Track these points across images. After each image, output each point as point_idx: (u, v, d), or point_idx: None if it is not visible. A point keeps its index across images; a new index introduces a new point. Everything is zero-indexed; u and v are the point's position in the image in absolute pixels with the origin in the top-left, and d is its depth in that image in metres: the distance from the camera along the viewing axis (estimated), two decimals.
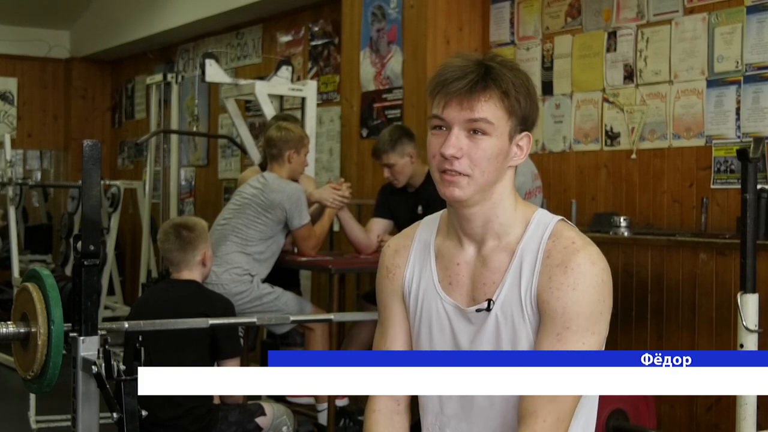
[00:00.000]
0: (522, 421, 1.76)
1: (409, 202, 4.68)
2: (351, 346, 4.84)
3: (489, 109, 1.77)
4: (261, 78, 6.21)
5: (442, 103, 1.80)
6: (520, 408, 1.77)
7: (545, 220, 1.85)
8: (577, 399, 1.78)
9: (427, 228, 1.98)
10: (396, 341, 1.97)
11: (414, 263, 1.95)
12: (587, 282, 1.76)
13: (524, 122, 1.82)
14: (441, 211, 1.97)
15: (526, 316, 1.80)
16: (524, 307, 1.80)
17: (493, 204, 1.83)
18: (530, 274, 1.80)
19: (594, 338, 1.76)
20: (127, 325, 3.14)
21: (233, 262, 4.47)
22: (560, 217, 1.86)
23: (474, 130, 1.78)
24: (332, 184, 4.79)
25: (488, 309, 1.83)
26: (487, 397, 1.85)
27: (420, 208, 4.54)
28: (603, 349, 1.81)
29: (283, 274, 4.86)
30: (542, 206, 4.31)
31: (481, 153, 1.77)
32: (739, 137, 4.29)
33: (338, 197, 4.69)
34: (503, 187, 1.84)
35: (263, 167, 4.93)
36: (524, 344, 1.80)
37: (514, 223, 1.85)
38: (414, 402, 2.00)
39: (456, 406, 1.90)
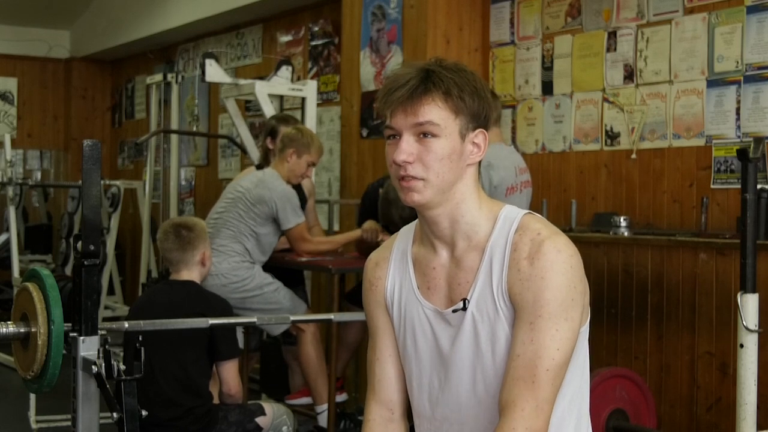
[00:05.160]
0: (501, 412, 1.77)
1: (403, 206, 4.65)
2: (340, 347, 4.82)
3: (433, 111, 1.79)
4: (261, 78, 6.21)
5: (389, 112, 1.83)
6: (500, 399, 1.78)
7: (512, 215, 1.86)
8: (557, 388, 1.78)
9: (404, 237, 2.01)
10: (385, 351, 1.99)
11: (394, 273, 1.98)
12: (555, 270, 1.77)
13: (476, 120, 1.84)
14: (416, 220, 1.99)
15: (500, 311, 1.81)
16: (497, 303, 1.81)
17: (457, 204, 1.85)
18: (500, 269, 1.81)
19: (567, 324, 1.77)
20: (127, 325, 3.14)
21: (230, 252, 4.49)
22: (527, 211, 1.88)
23: (423, 134, 1.80)
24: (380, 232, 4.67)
25: (464, 309, 1.84)
26: (472, 395, 1.87)
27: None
28: (578, 335, 1.82)
29: (287, 274, 4.87)
30: (530, 200, 4.32)
31: (433, 155, 1.80)
32: (739, 137, 4.29)
33: (374, 236, 4.61)
34: (465, 186, 1.85)
35: (260, 169, 4.94)
36: (502, 340, 1.82)
37: (480, 221, 1.86)
38: (410, 409, 2.01)
39: (445, 407, 1.92)
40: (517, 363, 1.76)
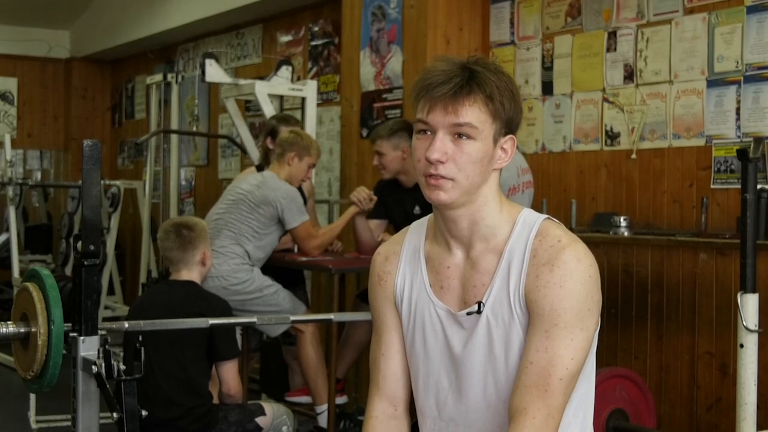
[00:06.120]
0: (512, 419, 1.76)
1: (406, 200, 4.64)
2: (347, 346, 4.83)
3: (474, 114, 1.77)
4: (261, 78, 6.21)
5: (426, 107, 1.80)
6: (510, 405, 1.77)
7: (531, 219, 1.85)
8: (568, 396, 1.78)
9: (415, 233, 1.98)
10: (392, 347, 1.98)
11: (405, 269, 1.95)
12: (574, 279, 1.76)
13: (509, 125, 1.83)
14: (428, 216, 1.97)
15: (515, 317, 1.80)
16: (513, 308, 1.80)
17: (479, 206, 1.83)
18: (518, 274, 1.80)
19: (583, 334, 1.77)
20: (127, 325, 3.14)
21: (230, 254, 4.48)
22: (546, 216, 1.86)
23: (459, 134, 1.78)
24: (367, 191, 4.70)
25: (479, 312, 1.83)
26: (482, 399, 1.86)
27: (417, 208, 4.51)
28: (592, 344, 1.81)
29: (287, 274, 4.86)
30: (531, 201, 4.32)
31: (466, 157, 1.78)
32: (739, 137, 4.29)
33: (366, 199, 4.62)
34: (488, 189, 1.84)
35: (260, 169, 4.94)
36: (516, 345, 1.80)
37: (500, 224, 1.85)
38: (412, 405, 2.00)
39: (452, 409, 1.90)
40: (530, 370, 1.75)
